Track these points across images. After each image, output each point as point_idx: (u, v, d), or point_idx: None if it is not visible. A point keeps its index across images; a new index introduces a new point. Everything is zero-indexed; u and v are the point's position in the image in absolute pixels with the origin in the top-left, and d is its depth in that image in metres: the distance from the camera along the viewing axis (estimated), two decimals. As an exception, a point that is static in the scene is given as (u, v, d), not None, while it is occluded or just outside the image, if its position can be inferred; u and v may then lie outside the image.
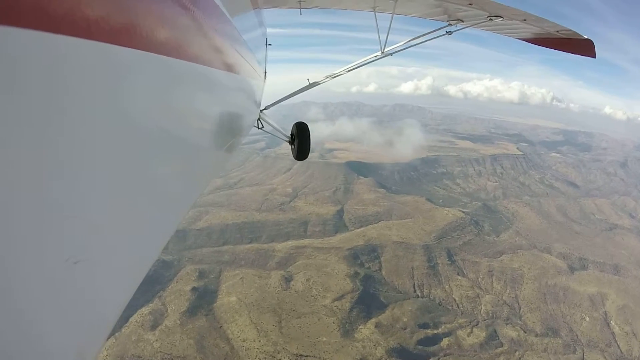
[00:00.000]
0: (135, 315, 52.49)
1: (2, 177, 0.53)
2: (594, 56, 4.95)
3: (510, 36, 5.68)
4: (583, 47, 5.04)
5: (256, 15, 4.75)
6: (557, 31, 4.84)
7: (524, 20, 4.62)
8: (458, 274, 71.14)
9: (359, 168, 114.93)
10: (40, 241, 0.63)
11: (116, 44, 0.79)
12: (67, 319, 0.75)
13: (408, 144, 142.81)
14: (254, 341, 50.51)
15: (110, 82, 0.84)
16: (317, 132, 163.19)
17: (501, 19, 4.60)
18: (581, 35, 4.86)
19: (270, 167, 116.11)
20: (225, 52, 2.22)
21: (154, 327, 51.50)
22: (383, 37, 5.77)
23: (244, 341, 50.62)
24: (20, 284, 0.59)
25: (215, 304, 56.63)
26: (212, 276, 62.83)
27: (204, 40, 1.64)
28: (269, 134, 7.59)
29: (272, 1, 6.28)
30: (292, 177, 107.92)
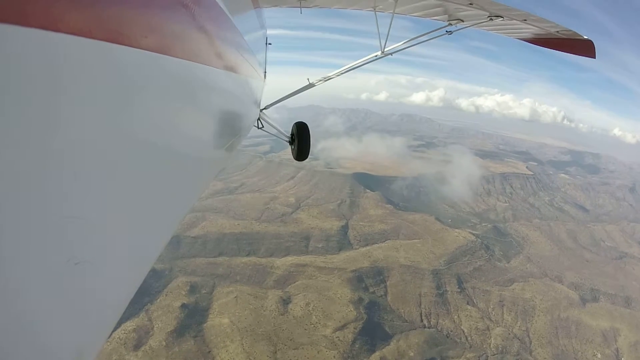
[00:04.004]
0: (118, 331, 48.32)
1: (3, 178, 0.53)
2: (594, 56, 4.86)
3: (510, 36, 5.56)
4: (583, 47, 4.92)
5: (256, 14, 4.69)
6: (558, 31, 4.73)
7: (525, 20, 4.52)
8: (468, 303, 67.14)
9: (365, 180, 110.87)
10: (41, 242, 0.64)
11: (116, 43, 0.80)
12: (67, 319, 0.76)
13: (461, 173, 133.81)
14: (246, 372, 46.12)
15: (110, 81, 0.85)
16: (344, 151, 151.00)
17: (501, 19, 4.49)
18: (581, 36, 4.74)
19: (274, 173, 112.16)
20: (225, 51, 2.20)
21: (137, 347, 47.55)
22: (383, 38, 5.80)
23: (234, 371, 46.19)
24: (21, 284, 0.60)
25: (205, 324, 52.40)
26: (204, 291, 58.63)
27: (204, 39, 1.64)
28: (274, 137, 7.62)
29: (272, 0, 6.09)
30: (296, 186, 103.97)
